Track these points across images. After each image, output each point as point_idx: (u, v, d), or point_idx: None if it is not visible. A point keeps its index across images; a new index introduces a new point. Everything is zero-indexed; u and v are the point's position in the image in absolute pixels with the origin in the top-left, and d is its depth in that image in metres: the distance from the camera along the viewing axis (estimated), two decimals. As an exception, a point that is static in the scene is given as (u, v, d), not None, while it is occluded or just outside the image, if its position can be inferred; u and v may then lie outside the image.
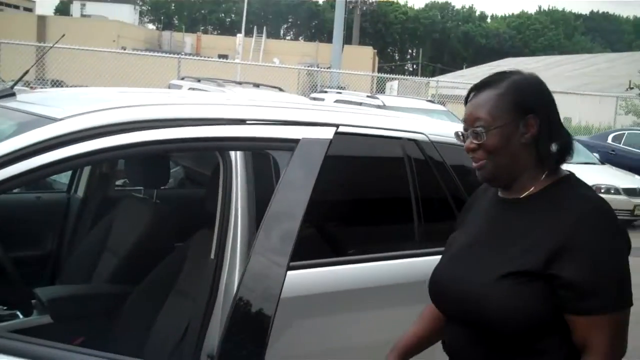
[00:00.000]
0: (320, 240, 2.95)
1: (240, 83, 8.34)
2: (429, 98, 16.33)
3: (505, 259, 1.81)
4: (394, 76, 25.05)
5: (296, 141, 1.84)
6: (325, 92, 14.24)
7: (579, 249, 1.73)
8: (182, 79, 10.65)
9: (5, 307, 3.32)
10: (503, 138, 1.84)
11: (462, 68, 64.91)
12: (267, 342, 1.62)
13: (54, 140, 2.16)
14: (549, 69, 46.82)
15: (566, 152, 1.89)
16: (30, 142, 2.14)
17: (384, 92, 22.63)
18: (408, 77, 23.20)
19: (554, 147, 1.86)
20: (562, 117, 1.93)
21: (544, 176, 1.88)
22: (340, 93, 13.19)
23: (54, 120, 2.28)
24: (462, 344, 1.93)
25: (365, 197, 3.22)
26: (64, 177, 5.24)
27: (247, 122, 2.06)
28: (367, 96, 12.09)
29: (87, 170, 4.36)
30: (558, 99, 2.02)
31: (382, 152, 3.20)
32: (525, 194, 1.89)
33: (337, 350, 2.71)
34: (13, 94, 2.89)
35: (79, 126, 2.23)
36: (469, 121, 1.90)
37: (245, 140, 1.97)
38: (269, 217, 1.76)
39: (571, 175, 1.91)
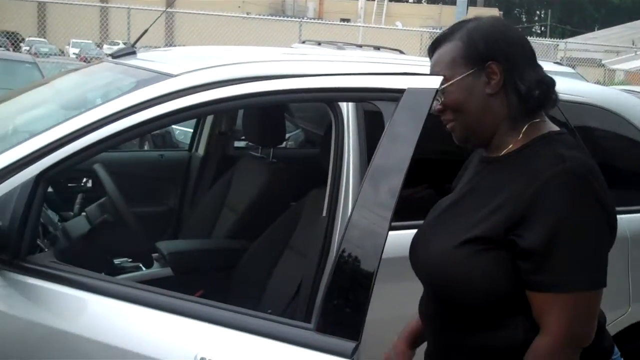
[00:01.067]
0: (424, 199, 2.90)
1: (360, 46, 8.26)
2: (557, 60, 15.72)
3: (471, 222, 1.64)
4: (520, 38, 24.10)
5: (402, 91, 1.78)
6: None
7: (538, 216, 1.53)
8: (303, 42, 10.69)
9: (130, 260, 3.47)
10: (465, 92, 1.69)
11: (593, 30, 62.02)
12: (369, 296, 1.60)
13: (170, 96, 2.22)
14: (691, 30, 43.94)
15: (538, 97, 1.68)
16: (148, 97, 2.20)
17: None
18: (535, 39, 22.32)
19: (522, 89, 1.67)
20: None
21: (523, 131, 1.70)
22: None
23: (170, 76, 2.35)
24: (429, 312, 1.81)
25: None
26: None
27: (354, 74, 2.04)
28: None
29: (207, 129, 4.47)
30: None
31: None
32: (504, 152, 1.71)
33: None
34: (134, 53, 2.99)
35: (194, 82, 2.28)
36: None
37: (352, 90, 1.94)
38: (373, 170, 1.72)
39: (556, 132, 1.71)
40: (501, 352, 1.63)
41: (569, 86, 3.37)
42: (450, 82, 1.69)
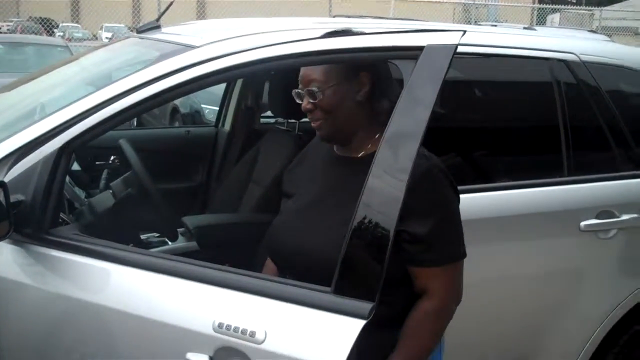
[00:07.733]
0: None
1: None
2: (592, 29, 15.46)
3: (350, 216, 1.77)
4: (553, 6, 23.74)
5: (421, 49, 1.74)
6: (479, 25, 13.76)
7: (420, 207, 1.77)
8: (334, 17, 10.68)
9: (157, 235, 3.48)
10: (338, 97, 1.89)
11: (630, -2, 60.54)
12: (387, 259, 1.58)
13: (193, 67, 2.20)
14: None
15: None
16: (170, 69, 2.20)
17: (544, 26, 21.56)
18: (570, 7, 21.96)
19: (385, 104, 1.89)
20: None
21: (378, 134, 1.89)
22: (495, 26, 12.70)
23: (193, 47, 2.33)
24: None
25: (503, 124, 3.08)
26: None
27: (373, 33, 2.01)
28: (524, 28, 11.55)
29: (233, 104, 4.45)
30: None
31: (525, 74, 3.04)
32: (362, 153, 1.95)
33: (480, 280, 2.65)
34: (158, 27, 2.99)
35: (217, 52, 2.26)
36: (304, 82, 1.93)
37: (371, 50, 1.90)
38: (390, 133, 1.69)
39: None
40: (380, 324, 1.69)
41: (601, 48, 3.30)
42: (329, 86, 1.88)
